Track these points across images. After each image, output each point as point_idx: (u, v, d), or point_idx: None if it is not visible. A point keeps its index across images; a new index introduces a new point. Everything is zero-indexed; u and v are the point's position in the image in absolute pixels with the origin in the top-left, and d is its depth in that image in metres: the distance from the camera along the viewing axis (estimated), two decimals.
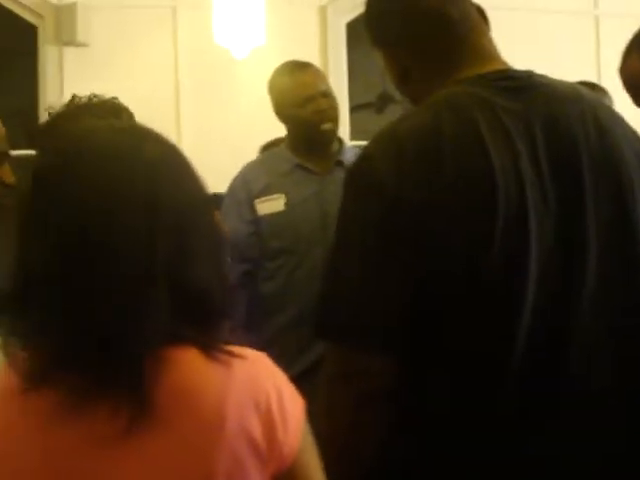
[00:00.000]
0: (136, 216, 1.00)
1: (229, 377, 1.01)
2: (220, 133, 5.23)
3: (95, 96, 2.13)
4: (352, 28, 5.56)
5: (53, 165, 1.05)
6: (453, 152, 1.38)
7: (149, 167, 1.04)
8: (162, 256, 1.00)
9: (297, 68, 2.92)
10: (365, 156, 1.45)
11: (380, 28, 1.59)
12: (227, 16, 4.75)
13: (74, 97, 2.10)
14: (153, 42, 5.32)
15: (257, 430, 1.01)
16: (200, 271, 1.03)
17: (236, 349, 1.04)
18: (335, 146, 2.91)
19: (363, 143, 3.02)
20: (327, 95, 2.86)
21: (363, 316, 1.34)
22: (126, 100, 5.01)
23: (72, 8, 5.20)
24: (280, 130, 3.58)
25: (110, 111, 2.06)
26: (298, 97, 2.83)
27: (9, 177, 1.82)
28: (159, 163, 1.06)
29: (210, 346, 1.02)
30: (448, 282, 1.36)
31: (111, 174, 1.01)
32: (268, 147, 3.58)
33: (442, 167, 1.37)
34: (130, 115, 2.11)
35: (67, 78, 5.23)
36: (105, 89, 5.69)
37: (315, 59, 5.37)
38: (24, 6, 5.36)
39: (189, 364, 1.00)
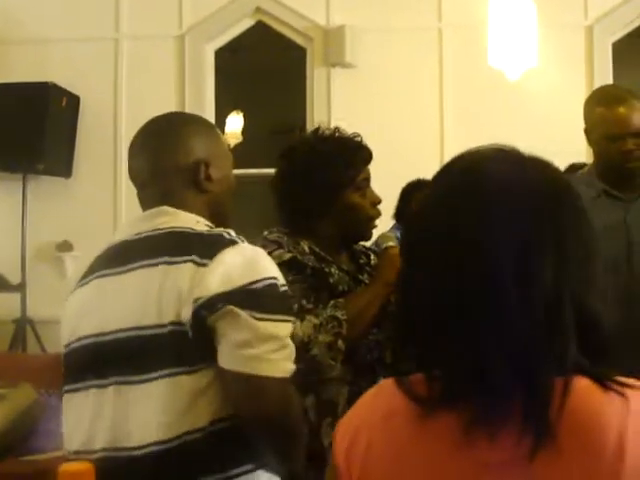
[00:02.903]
0: (546, 249, 1.00)
1: (626, 408, 0.96)
2: None
3: (338, 129, 2.26)
4: (618, 48, 5.43)
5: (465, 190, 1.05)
6: None
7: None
8: (570, 284, 1.00)
9: (615, 100, 2.84)
10: None
11: None
12: (502, 38, 4.84)
13: (319, 127, 2.25)
14: (419, 63, 5.42)
15: None
16: (595, 299, 1.03)
17: (624, 379, 1.00)
18: None
19: None
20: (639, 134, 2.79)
21: None
22: (390, 121, 5.23)
23: (341, 31, 5.42)
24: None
25: None
26: (607, 132, 2.79)
27: None
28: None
29: (602, 376, 0.99)
30: None
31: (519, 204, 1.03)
32: (572, 169, 3.52)
33: None
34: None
35: (334, 98, 5.45)
36: (370, 109, 5.92)
37: (581, 79, 5.29)
38: (295, 30, 5.64)
39: (586, 394, 0.97)
